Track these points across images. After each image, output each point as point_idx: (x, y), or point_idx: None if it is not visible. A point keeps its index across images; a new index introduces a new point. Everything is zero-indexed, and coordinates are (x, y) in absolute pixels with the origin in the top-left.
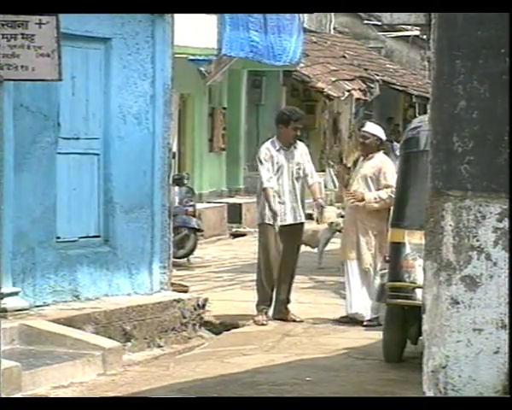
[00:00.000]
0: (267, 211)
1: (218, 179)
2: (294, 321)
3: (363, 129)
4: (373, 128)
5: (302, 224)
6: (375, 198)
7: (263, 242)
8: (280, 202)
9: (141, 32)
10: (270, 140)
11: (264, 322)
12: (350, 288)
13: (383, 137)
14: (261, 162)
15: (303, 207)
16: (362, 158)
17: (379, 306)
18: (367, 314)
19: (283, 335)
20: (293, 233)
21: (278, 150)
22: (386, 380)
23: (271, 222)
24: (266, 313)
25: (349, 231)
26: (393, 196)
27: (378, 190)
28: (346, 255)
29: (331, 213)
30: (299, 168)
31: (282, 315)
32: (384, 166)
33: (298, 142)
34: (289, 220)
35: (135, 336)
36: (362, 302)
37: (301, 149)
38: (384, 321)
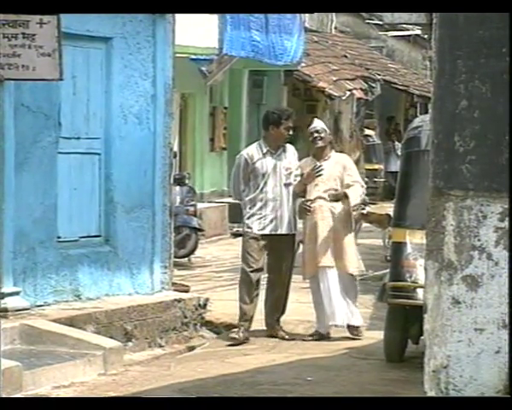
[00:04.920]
0: (246, 218)
1: (219, 179)
2: (284, 339)
3: (314, 126)
4: (319, 123)
5: (288, 235)
6: (354, 200)
7: (242, 251)
8: (259, 211)
9: (142, 31)
10: (256, 143)
11: (237, 337)
12: (331, 298)
13: (327, 131)
14: (237, 170)
15: (294, 216)
16: (317, 160)
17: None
18: (355, 321)
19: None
20: (275, 245)
21: (264, 154)
22: (387, 380)
23: (251, 230)
24: (245, 330)
25: (323, 237)
26: (364, 191)
27: (347, 187)
28: (322, 262)
29: None
30: (289, 173)
31: (272, 331)
32: (348, 162)
33: (287, 145)
34: (268, 231)
35: (136, 335)
36: (344, 313)
37: (290, 153)
38: (385, 321)
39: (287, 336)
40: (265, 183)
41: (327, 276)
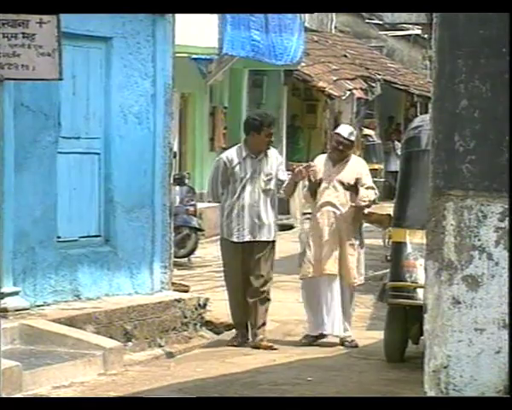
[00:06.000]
0: (224, 225)
1: None
2: (266, 349)
3: (339, 132)
4: (347, 132)
5: (266, 242)
6: (364, 196)
7: (222, 258)
8: (237, 218)
9: (142, 31)
10: (236, 147)
11: (235, 344)
12: (331, 307)
13: (354, 139)
14: (216, 173)
15: (274, 223)
16: (332, 162)
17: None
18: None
19: (284, 334)
20: (254, 252)
21: (244, 158)
22: (387, 380)
23: (229, 238)
24: (242, 337)
25: (330, 244)
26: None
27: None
28: (327, 270)
29: None
30: (268, 179)
31: (255, 341)
32: (362, 169)
33: (270, 150)
34: (247, 238)
35: (136, 335)
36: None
37: (273, 158)
38: (386, 321)
39: (270, 344)
40: (243, 188)
41: (331, 284)
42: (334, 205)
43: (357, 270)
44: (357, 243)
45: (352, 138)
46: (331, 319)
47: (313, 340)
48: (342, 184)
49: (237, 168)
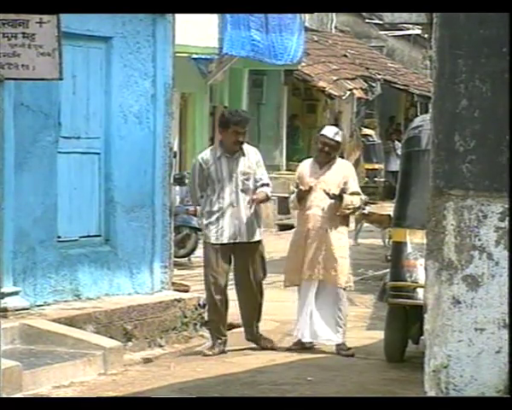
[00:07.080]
0: (204, 228)
1: None
2: (266, 348)
3: (324, 134)
4: (333, 132)
5: (249, 243)
6: (348, 204)
7: (204, 261)
8: (217, 220)
9: (142, 30)
10: (212, 146)
11: (208, 353)
12: (306, 313)
13: (340, 140)
14: (193, 175)
15: (257, 223)
16: (318, 165)
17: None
18: (337, 339)
19: (284, 334)
20: (237, 254)
21: (219, 158)
22: (387, 380)
23: (210, 240)
24: (218, 346)
25: (313, 248)
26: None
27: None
28: (306, 274)
29: None
30: (246, 179)
31: (254, 339)
32: (349, 172)
33: (248, 148)
34: (226, 240)
35: (136, 335)
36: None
37: (251, 157)
38: (386, 321)
39: (269, 345)
40: (222, 189)
41: (309, 289)
42: (321, 208)
43: (345, 273)
44: (347, 245)
45: (338, 139)
46: (304, 326)
47: (303, 346)
48: (328, 190)
49: (212, 168)
